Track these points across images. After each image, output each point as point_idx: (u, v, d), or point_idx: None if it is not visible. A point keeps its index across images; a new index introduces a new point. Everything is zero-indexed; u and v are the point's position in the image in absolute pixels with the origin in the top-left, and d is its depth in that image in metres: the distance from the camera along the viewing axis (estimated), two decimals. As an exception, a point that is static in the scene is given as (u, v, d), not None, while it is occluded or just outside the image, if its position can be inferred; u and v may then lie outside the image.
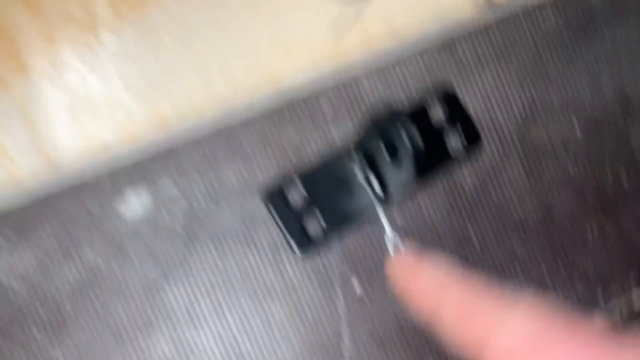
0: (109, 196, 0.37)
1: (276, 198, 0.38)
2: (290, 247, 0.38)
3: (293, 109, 0.38)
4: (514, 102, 0.40)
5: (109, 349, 0.37)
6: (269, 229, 0.38)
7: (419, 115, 0.39)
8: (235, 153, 0.38)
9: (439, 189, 0.39)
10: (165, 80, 0.34)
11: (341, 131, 0.38)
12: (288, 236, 0.38)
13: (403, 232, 0.39)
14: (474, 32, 0.39)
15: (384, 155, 0.36)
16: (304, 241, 0.38)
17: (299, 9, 0.35)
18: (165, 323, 0.38)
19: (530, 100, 0.40)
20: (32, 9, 0.34)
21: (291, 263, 0.38)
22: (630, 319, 0.41)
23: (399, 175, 0.35)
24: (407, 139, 0.32)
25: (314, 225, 0.38)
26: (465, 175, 0.39)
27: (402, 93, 0.39)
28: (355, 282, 0.39)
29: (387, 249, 0.39)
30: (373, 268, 0.39)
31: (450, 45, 0.39)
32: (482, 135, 0.39)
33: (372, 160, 0.37)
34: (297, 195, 0.38)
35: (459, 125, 0.39)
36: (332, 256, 0.38)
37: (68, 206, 0.37)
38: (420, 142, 0.32)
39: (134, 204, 0.38)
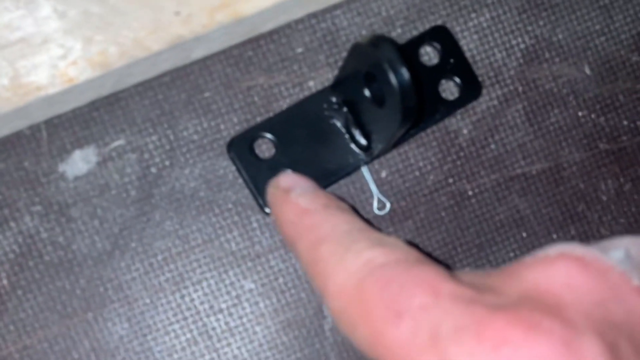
0: (48, 152, 0.32)
1: (242, 148, 0.33)
2: (260, 205, 0.33)
3: (258, 48, 0.33)
4: (514, 40, 0.35)
5: (53, 329, 0.32)
6: (235, 188, 0.33)
7: (406, 53, 0.33)
8: (194, 101, 0.33)
9: (430, 137, 0.34)
10: (108, 16, 0.30)
11: (316, 73, 0.33)
12: (256, 193, 0.33)
13: (389, 186, 0.34)
14: (466, -45, 0.34)
15: (365, 96, 0.30)
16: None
17: None
18: (119, 298, 0.33)
19: (533, 37, 0.35)
20: None
21: (261, 226, 0.34)
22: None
23: (384, 120, 0.30)
24: (392, 71, 0.26)
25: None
26: (460, 122, 0.34)
27: (384, 28, 0.34)
28: (334, 247, 0.33)
29: (371, 205, 0.34)
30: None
31: (439, -29, 0.34)
32: (480, 79, 0.34)
33: (353, 104, 0.32)
34: (266, 146, 0.33)
35: (453, 67, 0.34)
36: (308, 218, 0.33)
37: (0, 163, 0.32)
38: (409, 79, 0.26)
39: (78, 162, 0.33)
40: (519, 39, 0.35)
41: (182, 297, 0.33)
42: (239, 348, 0.33)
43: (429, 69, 0.34)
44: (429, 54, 0.34)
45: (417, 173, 0.34)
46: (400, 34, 0.34)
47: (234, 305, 0.34)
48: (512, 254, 0.35)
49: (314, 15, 0.33)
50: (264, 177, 0.33)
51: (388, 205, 0.34)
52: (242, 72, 0.33)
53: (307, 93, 0.33)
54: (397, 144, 0.34)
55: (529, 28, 0.35)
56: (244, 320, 0.34)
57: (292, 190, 0.30)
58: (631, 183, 0.35)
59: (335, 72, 0.33)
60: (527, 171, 0.35)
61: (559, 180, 0.35)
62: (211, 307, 0.34)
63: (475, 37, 0.34)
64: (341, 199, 0.32)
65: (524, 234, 0.35)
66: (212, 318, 0.34)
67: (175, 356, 0.33)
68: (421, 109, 0.32)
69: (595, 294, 0.21)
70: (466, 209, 0.35)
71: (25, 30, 0.29)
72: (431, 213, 0.34)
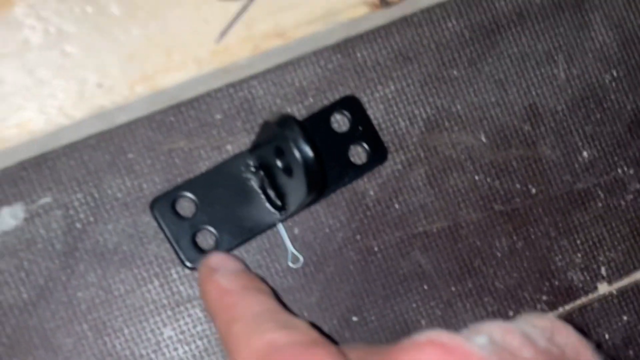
0: (-23, 208, 0.34)
1: (165, 207, 0.35)
2: (180, 259, 0.35)
3: (180, 114, 0.36)
4: (416, 110, 0.38)
5: (-22, 375, 0.34)
6: (156, 241, 0.36)
7: (317, 121, 0.36)
8: (118, 162, 0.35)
9: (340, 197, 0.37)
10: (31, 85, 0.32)
11: (234, 137, 0.36)
12: (177, 247, 0.35)
13: (302, 242, 0.37)
14: (372, 34, 0.37)
15: (277, 165, 0.33)
16: (195, 252, 0.35)
17: (179, 6, 0.33)
18: (44, 345, 0.35)
19: (434, 107, 0.38)
20: None
21: (181, 277, 0.36)
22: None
23: (294, 188, 0.33)
24: (296, 149, 0.29)
25: (206, 235, 0.36)
26: (367, 184, 0.37)
27: (297, 97, 0.37)
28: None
29: (285, 259, 0.36)
30: (270, 280, 0.36)
31: (347, 46, 0.37)
32: (386, 145, 0.37)
33: (268, 168, 0.35)
34: (188, 205, 0.36)
35: (361, 134, 0.37)
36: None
37: None
38: (310, 152, 0.29)
39: (6, 218, 0.35)
40: (421, 109, 0.38)
41: (105, 344, 0.35)
42: (156, 393, 0.36)
43: (339, 136, 0.37)
44: (339, 122, 0.37)
45: (327, 230, 0.37)
46: (312, 103, 0.37)
47: (154, 351, 0.36)
48: (414, 305, 0.38)
49: (232, 84, 0.36)
50: (185, 233, 0.35)
51: (301, 259, 0.37)
52: (164, 135, 0.36)
53: (225, 156, 0.36)
54: (309, 204, 0.36)
55: (430, 99, 0.38)
56: (164, 366, 0.36)
57: (217, 270, 0.32)
58: (523, 241, 0.39)
59: (252, 136, 0.36)
60: (429, 229, 0.38)
61: (457, 237, 0.38)
62: (132, 353, 0.36)
63: (381, 106, 0.37)
64: (263, 280, 0.35)
65: (426, 287, 0.38)
66: (133, 364, 0.36)
67: (95, 402, 0.35)
68: (324, 181, 0.35)
69: None
70: (373, 264, 0.38)
71: (-46, 98, 0.31)
72: (340, 267, 0.37)
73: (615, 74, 0.40)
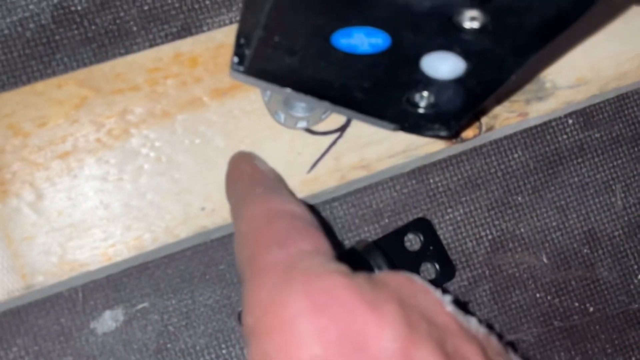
0: (82, 311, 0.38)
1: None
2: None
3: (268, 231, 0.39)
4: (483, 231, 0.41)
5: None
6: (240, 345, 0.39)
7: (392, 239, 0.40)
8: (210, 272, 0.39)
9: (409, 312, 0.40)
10: (143, 206, 0.35)
11: (314, 253, 0.39)
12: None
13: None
14: (444, 162, 0.40)
15: None
16: None
17: (275, 140, 0.36)
18: None
19: (499, 229, 0.41)
20: (16, 132, 0.35)
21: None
22: None
23: None
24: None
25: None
26: (434, 299, 0.40)
27: (374, 218, 0.40)
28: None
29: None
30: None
31: (422, 172, 0.40)
32: (454, 263, 0.40)
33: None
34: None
35: (432, 253, 0.40)
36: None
37: (39, 319, 0.37)
38: None
39: (107, 320, 0.38)
40: (487, 231, 0.41)
41: None
42: None
43: (411, 254, 0.40)
44: (411, 241, 0.40)
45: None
46: (387, 223, 0.40)
47: None
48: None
49: (315, 205, 0.39)
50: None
51: None
52: (252, 249, 0.39)
53: (306, 269, 0.39)
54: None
55: (496, 222, 0.41)
56: None
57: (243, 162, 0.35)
58: (581, 356, 0.41)
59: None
60: (491, 342, 0.41)
61: (519, 351, 0.41)
62: None
63: (450, 228, 0.41)
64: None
65: (487, 396, 0.40)
66: None
67: None
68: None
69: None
70: (438, 373, 0.40)
71: (74, 217, 0.35)
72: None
73: (668, 199, 0.43)
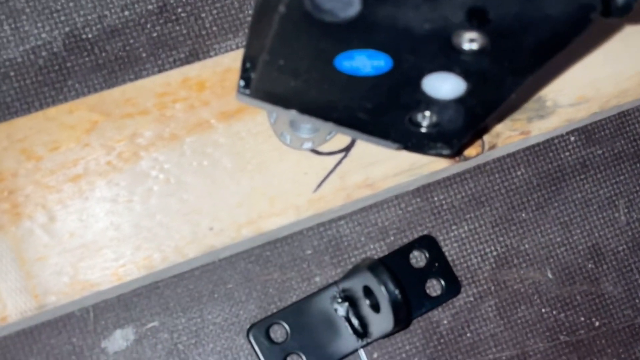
0: (94, 330, 0.38)
1: (259, 331, 0.39)
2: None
3: (275, 249, 0.40)
4: (487, 247, 0.41)
5: None
6: (249, 364, 0.39)
7: (397, 257, 0.40)
8: (219, 290, 0.39)
9: (415, 326, 0.40)
10: (153, 226, 0.36)
11: (322, 270, 0.40)
12: (270, 371, 0.39)
13: (379, 371, 0.40)
14: (448, 180, 0.41)
15: (364, 301, 0.37)
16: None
17: (282, 161, 0.37)
18: None
19: (504, 246, 0.41)
20: (29, 156, 0.36)
21: (270, 399, 0.39)
22: None
23: (380, 322, 0.36)
24: (387, 294, 0.33)
25: (295, 359, 0.39)
26: (441, 314, 0.41)
27: (380, 235, 0.41)
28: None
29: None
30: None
31: (426, 190, 0.41)
32: (459, 279, 0.41)
33: (353, 300, 0.39)
34: (280, 331, 0.39)
35: (437, 269, 0.40)
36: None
37: (52, 338, 0.38)
38: (400, 298, 0.33)
39: (118, 339, 0.39)
40: (492, 247, 0.41)
41: None
42: None
43: (417, 271, 0.40)
44: (417, 258, 0.41)
45: (404, 355, 0.40)
46: (393, 240, 0.41)
47: None
48: None
49: (322, 224, 0.40)
50: (277, 357, 0.39)
51: (379, 382, 0.40)
52: (261, 267, 0.40)
53: (313, 287, 0.40)
54: (389, 334, 0.40)
55: (501, 239, 0.41)
56: None
57: None
58: (587, 369, 0.41)
59: (339, 270, 0.40)
60: (498, 357, 0.41)
61: (525, 366, 0.41)
62: None
63: (455, 245, 0.41)
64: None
65: (495, 412, 0.41)
66: None
67: None
68: (409, 318, 0.39)
69: None
70: (445, 389, 0.40)
71: (85, 238, 0.36)
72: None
73: (672, 214, 0.43)
